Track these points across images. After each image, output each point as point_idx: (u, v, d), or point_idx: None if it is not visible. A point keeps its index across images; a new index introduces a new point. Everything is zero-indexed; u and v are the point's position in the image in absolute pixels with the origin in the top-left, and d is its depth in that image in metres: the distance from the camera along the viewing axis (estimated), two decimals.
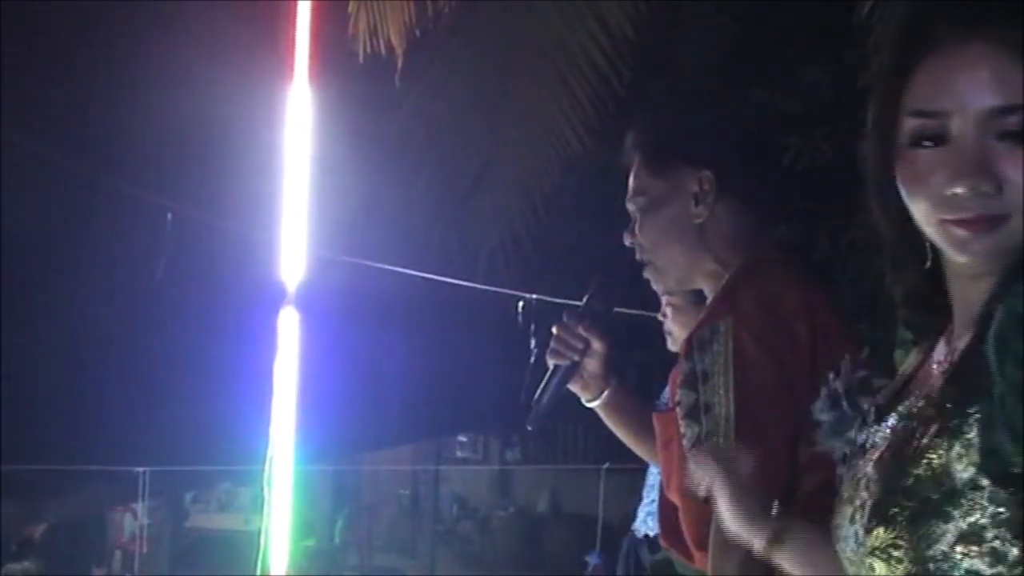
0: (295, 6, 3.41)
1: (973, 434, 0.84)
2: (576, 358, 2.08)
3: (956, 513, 0.86)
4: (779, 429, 1.55)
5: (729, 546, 1.39)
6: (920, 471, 0.88)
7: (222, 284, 5.06)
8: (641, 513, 3.20)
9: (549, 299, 4.40)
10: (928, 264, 0.98)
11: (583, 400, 2.16)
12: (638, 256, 1.87)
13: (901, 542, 0.88)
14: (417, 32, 4.14)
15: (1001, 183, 0.90)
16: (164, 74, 4.81)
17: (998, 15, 0.89)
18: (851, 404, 1.08)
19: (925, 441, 0.90)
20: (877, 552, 0.91)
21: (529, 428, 2.50)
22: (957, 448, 0.86)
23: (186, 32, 4.76)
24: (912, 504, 0.88)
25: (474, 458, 12.45)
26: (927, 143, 0.92)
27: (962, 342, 0.93)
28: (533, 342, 4.52)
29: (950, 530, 0.86)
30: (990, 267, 0.92)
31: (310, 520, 9.19)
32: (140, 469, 5.64)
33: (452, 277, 5.14)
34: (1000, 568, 0.84)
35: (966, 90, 0.90)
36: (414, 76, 4.63)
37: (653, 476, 3.13)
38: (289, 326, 3.43)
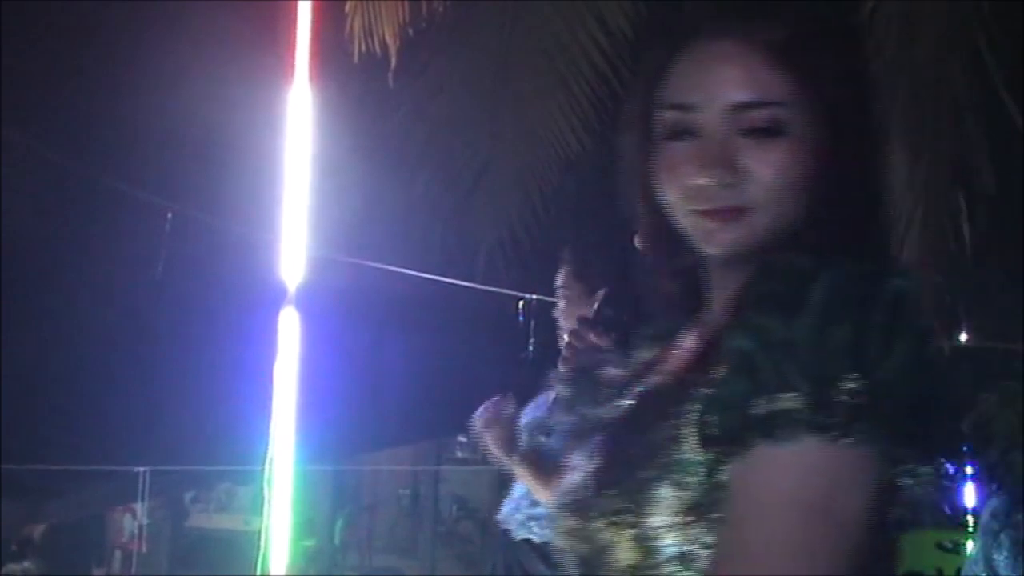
0: (295, 6, 3.42)
1: (707, 409, 0.86)
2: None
3: (686, 482, 0.86)
4: None
5: None
6: (650, 441, 0.89)
7: (222, 284, 5.05)
8: (519, 515, 3.15)
9: (549, 299, 4.40)
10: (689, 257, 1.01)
11: None
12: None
13: (628, 507, 0.89)
14: (411, 32, 4.14)
15: (744, 176, 0.93)
16: (164, 74, 4.81)
17: (752, 16, 0.93)
18: (593, 380, 1.10)
19: (658, 414, 0.91)
20: (604, 516, 0.91)
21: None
22: (691, 420, 0.87)
23: (186, 32, 4.76)
24: (642, 473, 0.89)
25: (474, 458, 12.44)
26: (683, 137, 0.96)
27: (712, 329, 0.94)
28: (532, 342, 4.52)
29: (679, 498, 0.87)
30: (738, 258, 0.95)
31: (310, 520, 9.19)
32: (140, 469, 5.64)
33: (452, 277, 5.14)
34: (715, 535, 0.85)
35: (716, 85, 0.94)
36: (414, 76, 4.63)
37: None
38: (289, 326, 3.43)
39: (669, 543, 0.87)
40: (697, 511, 0.86)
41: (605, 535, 0.91)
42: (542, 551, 2.99)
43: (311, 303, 3.49)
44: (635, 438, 0.93)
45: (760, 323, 0.82)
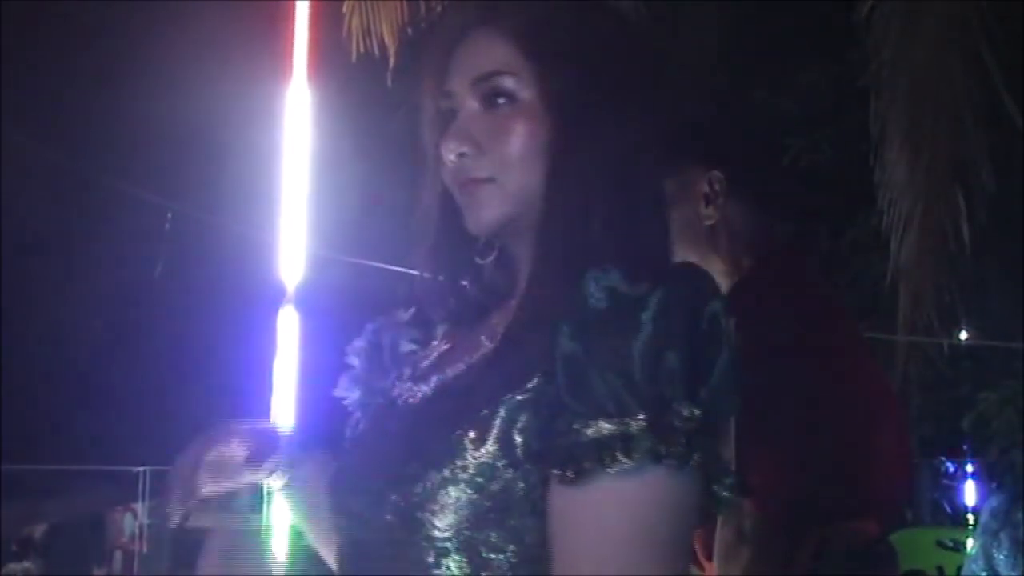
0: (293, 6, 3.42)
1: (520, 411, 0.85)
2: None
3: (487, 485, 0.85)
4: (781, 437, 1.53)
5: (734, 555, 1.38)
6: (456, 437, 0.86)
7: (222, 284, 5.06)
8: None
9: None
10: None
11: None
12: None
13: (420, 505, 0.87)
14: (409, 31, 4.13)
15: (485, 148, 0.94)
16: (164, 74, 4.81)
17: (503, 8, 0.97)
18: (392, 358, 1.08)
19: (459, 410, 0.88)
20: (391, 510, 0.89)
21: None
22: (500, 422, 0.85)
23: (186, 32, 4.76)
24: (437, 472, 0.86)
25: None
26: (450, 122, 0.99)
27: (518, 325, 0.92)
28: None
29: (476, 501, 0.85)
30: (513, 240, 0.95)
31: None
32: (140, 469, 5.64)
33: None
34: (515, 545, 0.84)
35: (464, 67, 0.98)
36: (413, 75, 4.63)
37: None
38: (288, 325, 3.43)
39: (458, 546, 0.85)
40: (491, 515, 0.85)
41: (387, 528, 0.89)
42: None
43: (311, 302, 3.49)
44: (432, 432, 0.90)
45: (596, 343, 0.82)
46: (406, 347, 1.09)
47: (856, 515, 1.55)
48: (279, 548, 3.33)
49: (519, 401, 0.85)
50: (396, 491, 0.88)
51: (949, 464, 8.17)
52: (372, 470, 0.93)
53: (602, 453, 0.80)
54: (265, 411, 3.40)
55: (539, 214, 0.92)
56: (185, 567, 9.05)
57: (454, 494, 0.86)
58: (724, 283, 1.75)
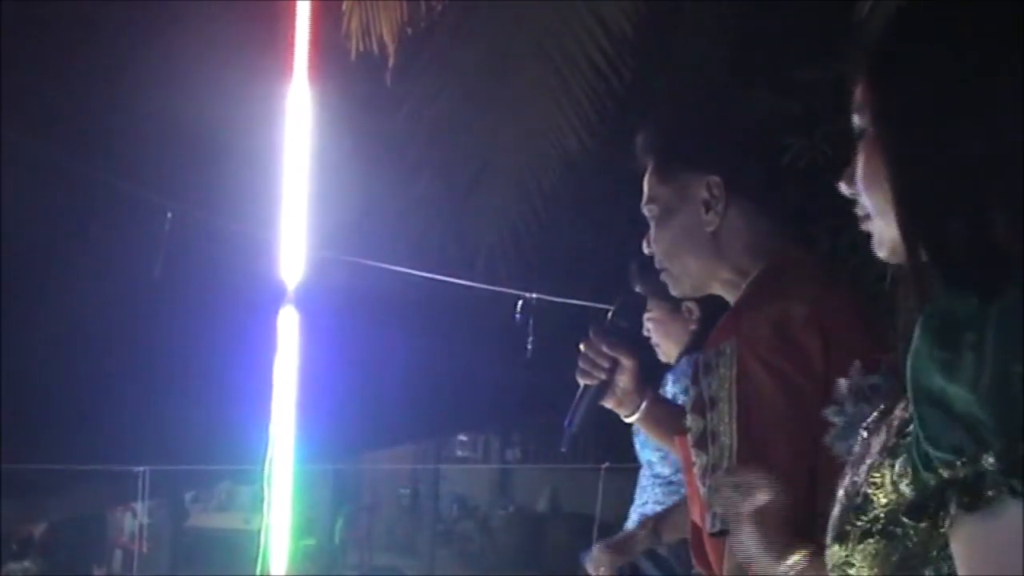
0: (294, 6, 3.41)
1: (899, 458, 0.84)
2: (604, 377, 2.05)
3: (900, 533, 0.84)
4: (787, 456, 1.48)
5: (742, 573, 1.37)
6: (868, 488, 0.86)
7: (222, 284, 5.05)
8: (634, 514, 3.17)
9: (549, 299, 4.40)
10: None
11: (621, 416, 2.13)
12: (656, 264, 1.82)
13: (853, 561, 0.87)
14: (409, 31, 4.13)
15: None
16: (164, 73, 4.81)
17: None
18: (856, 409, 1.06)
19: (874, 457, 0.88)
20: (835, 569, 0.89)
21: (564, 451, 2.49)
22: (897, 468, 0.85)
23: (185, 31, 4.76)
24: (862, 522, 0.86)
25: (474, 457, 12.46)
26: None
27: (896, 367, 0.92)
28: (531, 341, 4.52)
29: (898, 550, 0.84)
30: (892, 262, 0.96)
31: (310, 520, 9.19)
32: (140, 468, 5.63)
33: (452, 277, 5.14)
34: None
35: None
36: (413, 75, 4.63)
37: (645, 478, 3.12)
38: (289, 325, 3.43)
39: None
40: (902, 567, 0.83)
41: None
42: (654, 556, 2.99)
43: (311, 303, 3.49)
44: (856, 481, 0.89)
45: (935, 375, 0.76)
46: (869, 399, 1.08)
47: None
48: (279, 548, 3.33)
49: (902, 447, 0.85)
50: (838, 552, 0.88)
51: None
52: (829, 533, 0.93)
53: (961, 496, 0.76)
54: (265, 411, 3.40)
55: (902, 245, 0.91)
56: (185, 567, 9.06)
57: (866, 545, 0.86)
58: (730, 290, 1.73)
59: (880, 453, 0.87)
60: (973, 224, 0.85)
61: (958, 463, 0.76)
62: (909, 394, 0.79)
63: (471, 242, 4.90)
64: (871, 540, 0.84)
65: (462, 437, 12.19)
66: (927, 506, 0.79)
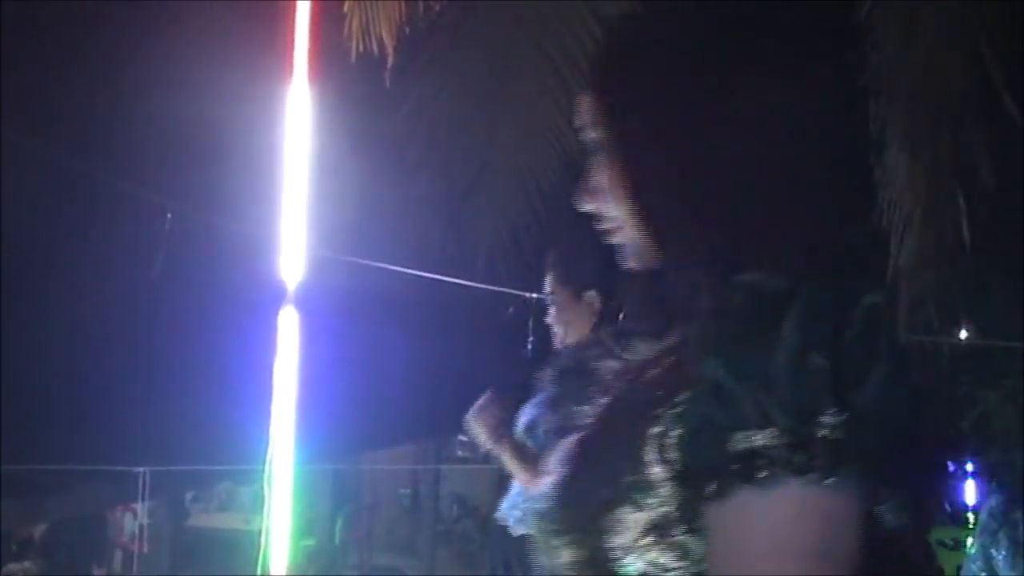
0: (294, 6, 3.41)
1: (670, 429, 0.84)
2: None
3: (647, 503, 0.85)
4: None
5: None
6: (618, 456, 0.87)
7: (222, 284, 5.05)
8: (517, 511, 3.17)
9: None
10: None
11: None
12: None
13: (588, 526, 0.87)
14: (408, 31, 4.14)
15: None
16: (163, 73, 4.81)
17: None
18: (578, 381, 1.09)
19: (625, 429, 0.89)
20: (563, 533, 0.90)
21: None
22: (654, 440, 0.85)
23: (185, 31, 4.76)
24: (605, 488, 0.87)
25: (474, 458, 12.46)
26: None
27: (681, 342, 0.93)
28: (531, 341, 4.52)
29: (640, 519, 0.85)
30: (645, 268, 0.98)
31: (310, 520, 9.18)
32: (140, 469, 5.64)
33: (452, 277, 5.13)
34: (685, 563, 0.83)
35: None
36: (414, 76, 4.63)
37: None
38: (289, 326, 3.43)
39: (629, 564, 0.85)
40: (656, 532, 0.84)
41: (566, 552, 0.90)
42: None
43: (311, 303, 3.49)
44: (601, 451, 0.91)
45: (736, 351, 0.79)
46: (598, 367, 1.09)
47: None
48: (279, 548, 3.33)
49: (670, 416, 0.85)
50: (570, 511, 0.89)
51: (949, 464, 8.18)
52: (554, 492, 0.94)
53: (744, 467, 0.78)
54: (265, 411, 3.40)
55: (653, 246, 0.94)
56: (185, 567, 9.06)
57: (620, 513, 0.86)
58: None
59: (632, 426, 0.88)
60: (696, 243, 0.89)
61: (743, 437, 0.78)
62: (707, 368, 0.80)
63: (471, 242, 4.90)
64: (615, 507, 0.85)
65: (462, 437, 12.18)
66: (700, 474, 0.80)
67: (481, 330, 5.91)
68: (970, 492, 7.72)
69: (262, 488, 3.34)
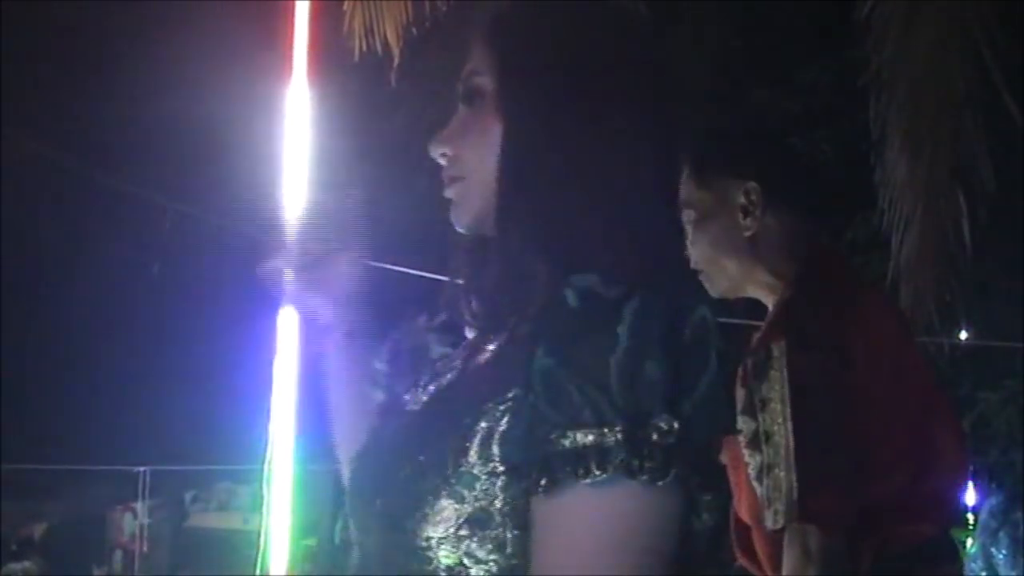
0: (293, 5, 3.41)
1: (500, 421, 0.84)
2: None
3: (468, 495, 0.84)
4: (843, 452, 1.52)
5: (806, 565, 1.40)
6: (442, 447, 0.86)
7: (222, 283, 5.06)
8: None
9: None
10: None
11: None
12: (692, 265, 1.84)
13: (407, 513, 0.87)
14: (414, 31, 4.13)
15: (458, 146, 0.96)
16: (163, 74, 4.81)
17: (481, 9, 0.98)
18: (412, 364, 1.07)
19: (450, 419, 0.88)
20: (382, 516, 0.90)
21: None
22: (482, 433, 0.85)
23: (185, 31, 4.76)
24: (425, 478, 0.86)
25: None
26: None
27: (511, 335, 0.90)
28: None
29: (459, 511, 0.85)
30: (476, 233, 0.95)
31: (310, 520, 9.18)
32: (140, 468, 5.65)
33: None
34: (500, 555, 0.83)
35: (458, 70, 0.99)
36: (414, 75, 4.63)
37: None
38: (289, 325, 3.42)
39: (443, 555, 0.85)
40: (473, 526, 0.84)
41: (378, 534, 0.90)
42: None
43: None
44: (422, 441, 0.90)
45: (572, 351, 0.79)
46: (435, 352, 1.08)
47: (917, 517, 1.55)
48: (279, 548, 3.33)
49: (500, 411, 0.84)
50: (387, 498, 0.89)
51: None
52: (369, 475, 0.94)
53: (576, 464, 0.79)
54: (265, 410, 3.40)
55: (496, 212, 0.90)
56: (185, 567, 9.06)
57: (439, 504, 0.85)
58: (766, 292, 1.76)
59: (459, 417, 0.87)
60: (571, 215, 0.87)
61: (579, 435, 0.78)
62: (542, 365, 0.80)
63: None
64: (435, 498, 0.85)
65: None
66: (529, 469, 0.80)
67: None
68: (970, 493, 7.73)
69: (262, 488, 3.34)
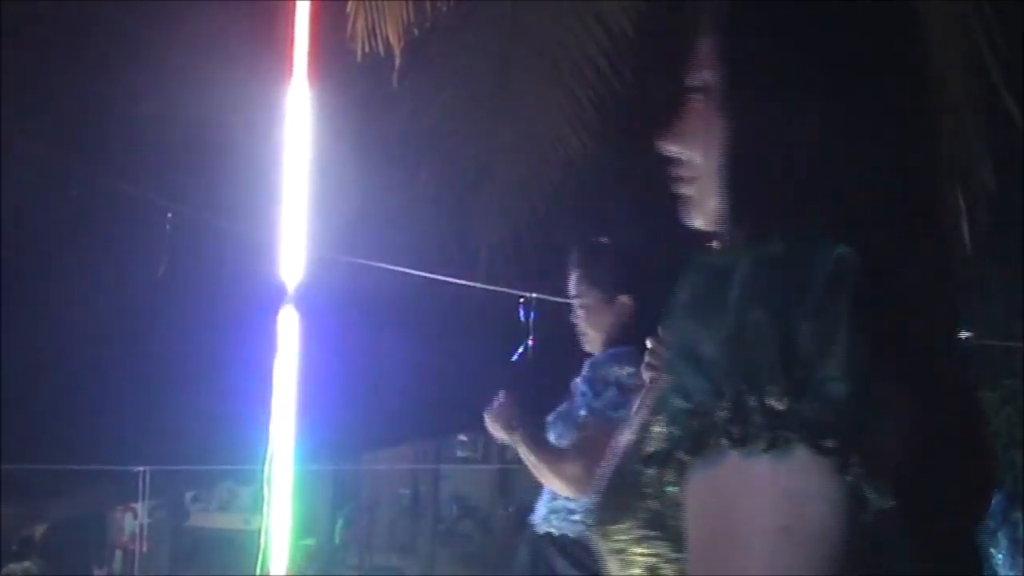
0: (294, 6, 3.42)
1: (654, 420, 0.83)
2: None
3: (646, 495, 0.83)
4: None
5: None
6: (625, 455, 0.87)
7: (222, 284, 5.06)
8: (542, 509, 3.19)
9: (549, 299, 4.40)
10: None
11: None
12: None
13: (608, 520, 0.88)
14: (416, 32, 4.14)
15: (685, 146, 0.94)
16: (164, 74, 4.81)
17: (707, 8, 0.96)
18: (615, 392, 1.09)
19: (629, 428, 0.90)
20: (595, 528, 0.90)
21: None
22: (643, 435, 0.85)
23: (186, 32, 4.76)
24: (622, 486, 0.87)
25: (474, 458, 12.44)
26: None
27: None
28: (531, 340, 4.53)
29: (643, 512, 0.83)
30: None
31: (310, 520, 9.18)
32: (140, 468, 5.64)
33: (452, 277, 5.13)
34: (683, 553, 0.79)
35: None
36: (414, 76, 4.63)
37: None
38: (289, 326, 3.43)
39: (640, 557, 0.84)
40: (657, 525, 0.82)
41: (602, 546, 0.89)
42: (561, 544, 3.02)
43: (311, 303, 3.49)
44: (627, 448, 0.89)
45: (679, 326, 0.75)
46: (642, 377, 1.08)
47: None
48: (279, 548, 3.33)
49: (658, 395, 0.84)
50: (600, 514, 0.90)
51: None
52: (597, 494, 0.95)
53: (687, 443, 0.75)
54: (265, 410, 3.40)
55: (727, 211, 0.87)
56: (185, 567, 9.06)
57: (633, 506, 0.86)
58: None
59: (633, 425, 0.88)
60: (788, 210, 0.83)
61: (694, 411, 0.74)
62: (665, 344, 0.78)
63: (471, 242, 4.90)
64: (631, 500, 0.84)
65: (462, 437, 12.17)
66: (660, 454, 0.78)
67: (481, 330, 5.91)
68: None
69: (262, 488, 3.34)
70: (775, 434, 0.70)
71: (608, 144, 4.69)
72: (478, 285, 5.01)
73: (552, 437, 3.07)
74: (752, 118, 0.87)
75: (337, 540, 10.85)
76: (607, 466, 0.91)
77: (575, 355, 3.13)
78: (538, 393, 3.30)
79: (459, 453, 12.33)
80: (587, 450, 2.73)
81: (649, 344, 2.05)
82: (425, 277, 5.18)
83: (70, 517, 7.80)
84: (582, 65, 4.41)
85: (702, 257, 0.79)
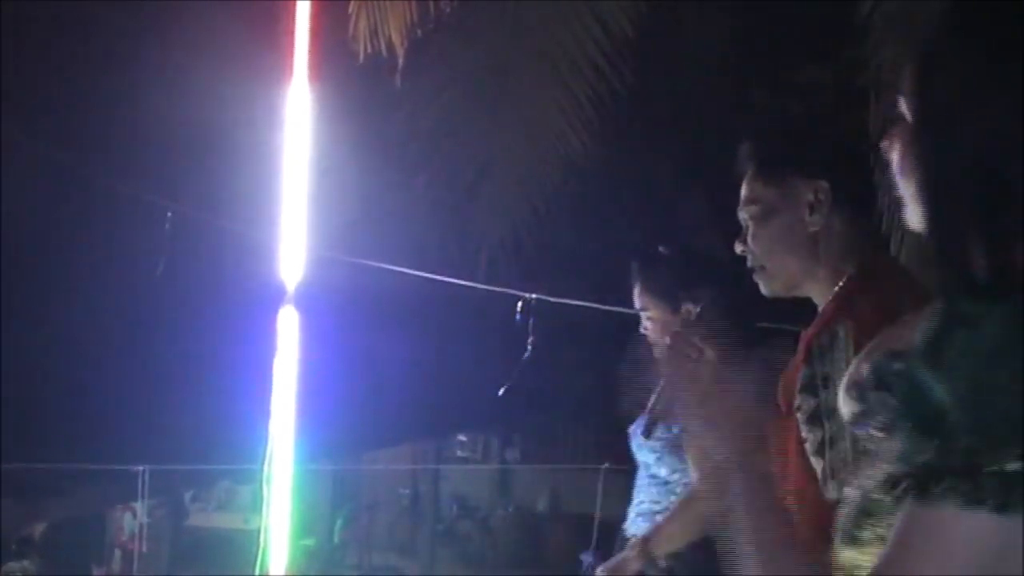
0: (295, 6, 3.42)
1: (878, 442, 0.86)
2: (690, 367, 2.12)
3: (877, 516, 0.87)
4: None
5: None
6: (862, 472, 0.91)
7: (222, 284, 5.06)
8: (631, 514, 3.20)
9: (549, 299, 4.40)
10: None
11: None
12: (749, 263, 1.89)
13: (864, 563, 0.89)
14: (419, 32, 4.14)
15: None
16: (164, 74, 4.81)
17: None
18: (877, 395, 1.05)
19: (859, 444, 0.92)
20: (846, 571, 0.92)
21: (646, 437, 2.58)
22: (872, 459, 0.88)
23: (186, 32, 4.76)
24: (874, 528, 0.89)
25: (474, 458, 12.46)
26: None
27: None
28: (531, 340, 4.53)
29: (873, 534, 0.87)
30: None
31: (310, 519, 9.18)
32: (140, 468, 5.63)
33: (452, 277, 5.13)
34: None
35: None
36: (414, 76, 4.63)
37: (642, 479, 3.14)
38: (289, 325, 3.43)
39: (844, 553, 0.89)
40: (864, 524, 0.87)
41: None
42: None
43: (311, 303, 3.49)
44: (866, 485, 0.90)
45: (918, 371, 0.74)
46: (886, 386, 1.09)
47: None
48: (279, 548, 3.33)
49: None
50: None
51: None
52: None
53: (918, 480, 0.75)
54: (265, 410, 3.40)
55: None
56: (185, 567, 9.06)
57: (865, 528, 0.90)
58: (821, 288, 1.81)
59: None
60: (991, 238, 0.82)
61: (921, 455, 0.75)
62: (899, 386, 0.79)
63: (472, 242, 4.90)
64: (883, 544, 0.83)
65: (462, 437, 12.18)
66: (893, 485, 0.78)
67: (481, 330, 5.91)
68: None
69: (261, 488, 3.34)
70: (1008, 499, 0.71)
71: (609, 144, 4.70)
72: (478, 285, 5.01)
73: (643, 449, 3.06)
74: (931, 158, 0.88)
75: (336, 540, 10.85)
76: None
77: (575, 355, 3.13)
78: (538, 394, 3.30)
79: (459, 453, 12.34)
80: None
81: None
82: (425, 277, 5.17)
83: (69, 516, 7.80)
84: (582, 65, 4.41)
85: (950, 303, 0.77)
